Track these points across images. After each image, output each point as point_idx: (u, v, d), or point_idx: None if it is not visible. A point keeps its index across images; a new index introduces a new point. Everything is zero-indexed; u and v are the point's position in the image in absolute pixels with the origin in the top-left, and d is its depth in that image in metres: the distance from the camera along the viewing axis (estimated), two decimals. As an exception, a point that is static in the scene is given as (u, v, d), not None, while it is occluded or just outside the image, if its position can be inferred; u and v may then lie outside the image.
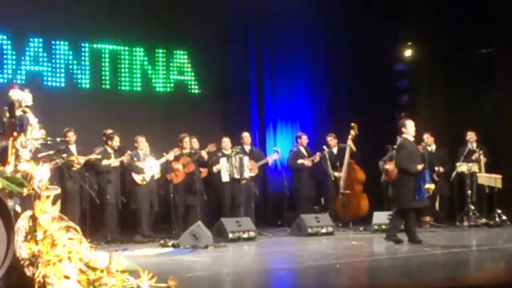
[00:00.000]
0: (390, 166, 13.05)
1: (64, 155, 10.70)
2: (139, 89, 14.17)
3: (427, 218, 13.15)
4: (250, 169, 12.67)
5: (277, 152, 13.50)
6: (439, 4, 14.85)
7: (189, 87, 14.71)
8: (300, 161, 13.42)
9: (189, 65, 14.66)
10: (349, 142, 13.27)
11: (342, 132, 13.61)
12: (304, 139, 13.69)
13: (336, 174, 13.25)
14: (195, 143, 12.64)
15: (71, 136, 11.26)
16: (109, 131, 11.76)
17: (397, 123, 10.84)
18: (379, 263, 8.69)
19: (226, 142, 12.74)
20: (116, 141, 11.68)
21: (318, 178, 13.77)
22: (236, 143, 12.94)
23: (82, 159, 11.15)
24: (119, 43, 13.94)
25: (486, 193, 13.26)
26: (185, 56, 14.65)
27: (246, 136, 13.22)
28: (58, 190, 5.86)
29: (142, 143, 11.98)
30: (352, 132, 13.26)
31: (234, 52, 15.20)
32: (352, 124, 13.30)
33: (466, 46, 14.74)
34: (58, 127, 11.01)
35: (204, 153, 12.39)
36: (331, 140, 13.63)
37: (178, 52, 14.60)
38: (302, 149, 13.63)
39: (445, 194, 13.56)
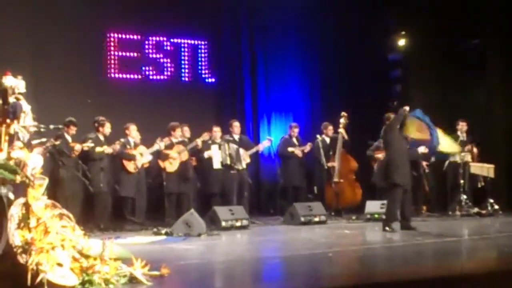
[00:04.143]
0: (380, 155, 13.11)
1: (57, 142, 10.63)
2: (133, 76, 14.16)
3: (424, 207, 13.26)
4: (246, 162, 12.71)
5: (269, 140, 13.49)
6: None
7: (184, 76, 14.71)
8: (290, 149, 13.43)
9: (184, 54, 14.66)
10: (341, 131, 13.29)
11: (335, 122, 13.63)
12: (296, 131, 13.70)
13: (329, 164, 13.27)
14: (187, 132, 12.62)
15: (73, 129, 11.24)
16: (100, 118, 11.74)
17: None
18: (372, 251, 8.72)
19: (216, 131, 12.71)
20: (107, 127, 11.65)
21: (309, 167, 13.80)
22: (226, 132, 12.91)
23: (79, 147, 11.12)
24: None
25: (482, 185, 13.36)
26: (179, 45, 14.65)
27: (236, 125, 13.12)
28: (46, 180, 5.84)
29: (134, 131, 11.96)
30: (343, 121, 13.28)
31: (227, 42, 15.16)
32: (343, 113, 13.32)
33: (459, 36, 14.75)
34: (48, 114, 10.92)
35: (199, 142, 12.37)
36: (330, 130, 13.64)
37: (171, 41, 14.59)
38: (294, 139, 13.65)
39: (432, 183, 13.59)
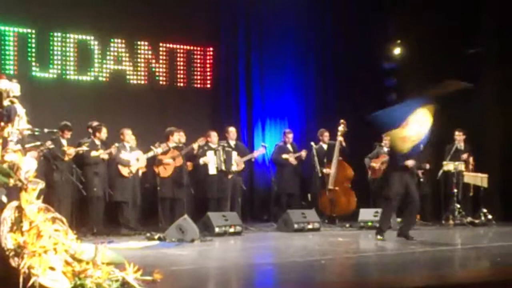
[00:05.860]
0: (376, 164, 13.11)
1: (51, 145, 10.64)
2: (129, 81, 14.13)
3: (417, 216, 13.24)
4: (237, 164, 12.69)
5: (264, 147, 13.49)
6: (428, 2, 14.88)
7: (179, 81, 14.69)
8: (284, 156, 13.43)
9: (180, 59, 14.66)
10: (340, 139, 13.28)
11: (329, 128, 13.64)
12: (290, 137, 13.70)
13: (324, 170, 13.26)
14: (183, 137, 12.61)
15: (67, 133, 11.24)
16: (96, 123, 11.73)
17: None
18: (365, 259, 8.73)
19: (213, 136, 12.71)
20: (103, 133, 11.66)
21: (304, 174, 13.79)
22: (222, 138, 12.90)
23: (72, 151, 11.11)
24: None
25: (471, 195, 13.37)
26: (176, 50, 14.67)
27: (232, 131, 13.13)
28: (42, 184, 5.82)
29: (128, 136, 11.94)
30: (341, 129, 13.28)
31: (223, 48, 15.17)
32: (341, 120, 13.32)
33: (454, 45, 14.77)
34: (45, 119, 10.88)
35: (195, 146, 12.36)
36: (326, 136, 13.65)
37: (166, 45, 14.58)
38: (288, 145, 13.65)
39: (426, 192, 13.56)
